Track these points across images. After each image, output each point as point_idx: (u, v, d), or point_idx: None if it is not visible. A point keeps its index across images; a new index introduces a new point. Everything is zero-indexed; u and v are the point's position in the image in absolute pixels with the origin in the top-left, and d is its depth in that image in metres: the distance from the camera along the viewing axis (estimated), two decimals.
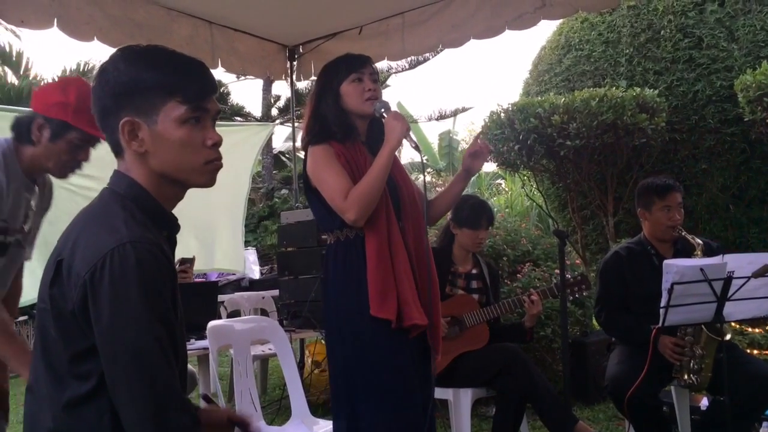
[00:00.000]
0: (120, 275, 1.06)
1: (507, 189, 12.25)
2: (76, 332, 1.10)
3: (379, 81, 2.17)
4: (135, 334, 1.06)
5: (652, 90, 5.06)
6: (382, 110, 2.07)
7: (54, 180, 2.23)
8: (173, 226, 1.26)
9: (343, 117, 2.10)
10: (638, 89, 4.93)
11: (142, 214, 1.17)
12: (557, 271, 4.35)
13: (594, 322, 4.03)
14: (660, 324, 2.53)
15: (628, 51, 5.55)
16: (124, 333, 1.06)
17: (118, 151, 1.22)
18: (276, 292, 4.57)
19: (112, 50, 1.23)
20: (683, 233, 2.91)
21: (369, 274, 1.97)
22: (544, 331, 4.11)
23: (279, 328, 2.71)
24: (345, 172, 2.01)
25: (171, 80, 1.16)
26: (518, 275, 4.48)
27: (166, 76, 1.16)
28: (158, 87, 1.16)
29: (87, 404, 1.11)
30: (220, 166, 1.23)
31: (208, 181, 1.24)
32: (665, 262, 2.48)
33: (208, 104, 1.21)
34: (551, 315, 4.19)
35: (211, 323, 2.47)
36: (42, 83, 10.32)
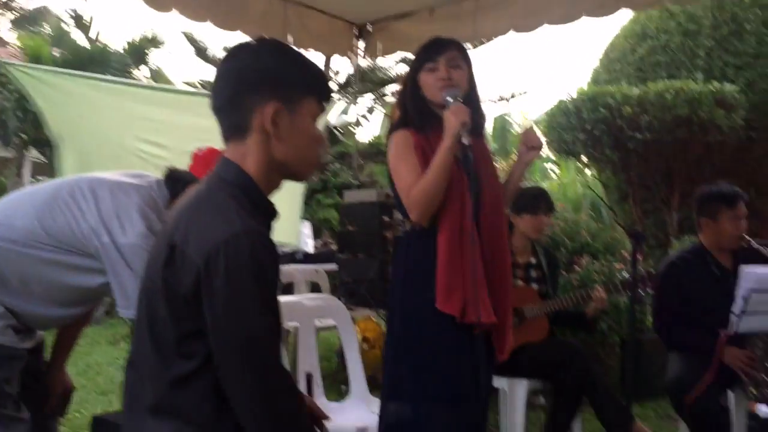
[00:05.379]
0: (235, 266, 1.09)
1: (560, 176, 11.97)
2: (186, 315, 1.14)
3: (462, 65, 2.05)
4: (249, 324, 1.10)
5: (731, 85, 4.86)
6: (448, 98, 1.97)
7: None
8: (274, 215, 1.30)
9: (421, 105, 2.06)
10: (716, 84, 4.73)
11: (249, 203, 1.21)
12: (617, 266, 4.29)
13: (649, 317, 3.95)
14: (732, 331, 2.47)
15: (708, 43, 5.32)
16: (238, 323, 1.10)
17: (238, 133, 1.23)
18: (329, 266, 4.64)
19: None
20: (752, 244, 2.81)
21: (438, 268, 1.96)
22: (599, 326, 4.07)
23: (343, 307, 2.75)
24: (418, 167, 1.97)
25: (312, 79, 1.27)
26: (575, 266, 4.43)
27: (309, 75, 1.26)
28: (302, 83, 1.25)
29: (191, 382, 1.15)
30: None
31: (310, 176, 1.33)
32: (743, 268, 2.42)
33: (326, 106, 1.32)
34: (607, 310, 4.14)
35: (281, 299, 2.51)
36: (110, 50, 10.59)
